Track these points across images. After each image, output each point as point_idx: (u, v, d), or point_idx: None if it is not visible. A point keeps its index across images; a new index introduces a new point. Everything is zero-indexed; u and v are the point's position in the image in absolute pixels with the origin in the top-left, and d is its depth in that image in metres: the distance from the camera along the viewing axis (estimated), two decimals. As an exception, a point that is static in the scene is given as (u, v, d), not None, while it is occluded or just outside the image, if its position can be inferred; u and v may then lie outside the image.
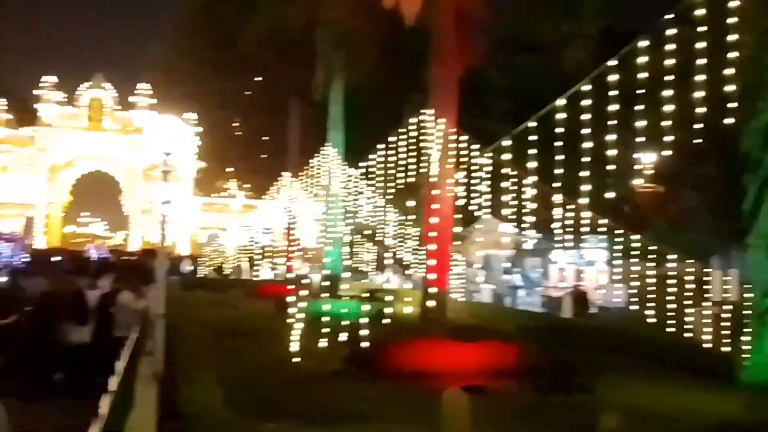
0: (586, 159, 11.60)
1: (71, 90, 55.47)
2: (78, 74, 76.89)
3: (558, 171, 11.74)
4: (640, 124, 10.65)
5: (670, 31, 9.62)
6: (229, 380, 9.47)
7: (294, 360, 12.37)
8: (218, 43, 40.30)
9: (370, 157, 20.36)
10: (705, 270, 19.24)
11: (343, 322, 13.50)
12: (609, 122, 10.76)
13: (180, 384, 8.32)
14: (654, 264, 18.48)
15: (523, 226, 17.85)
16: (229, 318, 19.22)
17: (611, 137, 10.76)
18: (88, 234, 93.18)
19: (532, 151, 12.77)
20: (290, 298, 15.44)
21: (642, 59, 10.00)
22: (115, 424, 6.81)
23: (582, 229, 19.18)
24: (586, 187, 11.35)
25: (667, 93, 9.86)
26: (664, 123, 10.04)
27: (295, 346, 12.69)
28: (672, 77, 9.83)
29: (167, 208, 11.33)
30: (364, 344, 12.70)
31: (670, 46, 9.63)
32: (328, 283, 22.57)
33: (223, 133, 57.19)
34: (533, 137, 12.36)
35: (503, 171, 14.47)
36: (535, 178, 13.74)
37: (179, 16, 60.77)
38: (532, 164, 12.92)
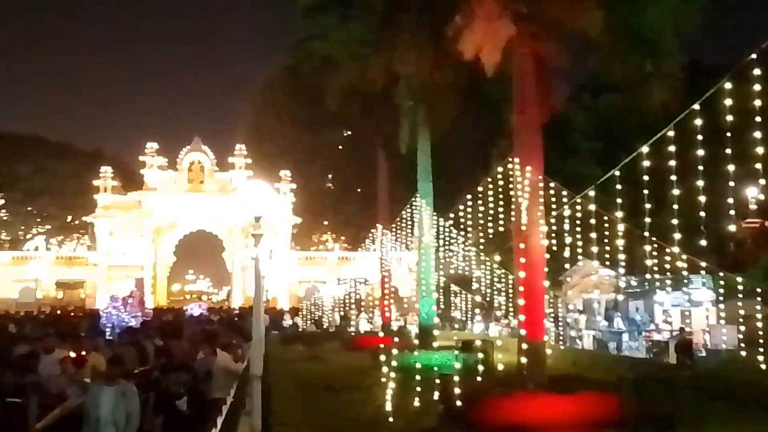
0: (678, 200, 11.29)
1: (172, 155, 58.14)
2: (177, 140, 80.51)
3: (648, 219, 11.44)
4: (732, 165, 10.30)
5: (756, 71, 9.33)
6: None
7: (388, 417, 12.31)
8: (305, 101, 41.49)
9: (460, 206, 20.37)
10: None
11: (438, 375, 13.37)
12: (699, 164, 10.47)
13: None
14: (763, 303, 17.60)
15: (620, 269, 17.41)
16: (325, 372, 19.47)
17: (702, 180, 10.45)
18: (194, 291, 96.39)
19: (622, 195, 12.56)
20: (385, 351, 15.49)
21: (727, 101, 9.70)
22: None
23: (683, 272, 18.53)
24: (680, 232, 11.02)
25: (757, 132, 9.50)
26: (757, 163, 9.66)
27: (388, 402, 12.63)
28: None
29: (265, 264, 11.59)
30: (459, 398, 12.52)
31: (756, 86, 9.32)
32: (421, 333, 22.48)
33: (316, 187, 58.56)
34: (620, 184, 12.15)
35: (594, 215, 14.28)
36: (626, 223, 13.44)
37: (266, 78, 63.34)
38: (622, 209, 12.67)
